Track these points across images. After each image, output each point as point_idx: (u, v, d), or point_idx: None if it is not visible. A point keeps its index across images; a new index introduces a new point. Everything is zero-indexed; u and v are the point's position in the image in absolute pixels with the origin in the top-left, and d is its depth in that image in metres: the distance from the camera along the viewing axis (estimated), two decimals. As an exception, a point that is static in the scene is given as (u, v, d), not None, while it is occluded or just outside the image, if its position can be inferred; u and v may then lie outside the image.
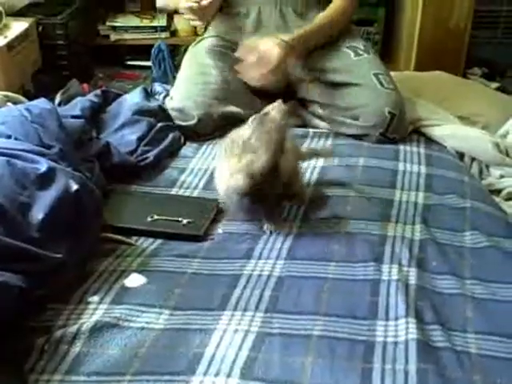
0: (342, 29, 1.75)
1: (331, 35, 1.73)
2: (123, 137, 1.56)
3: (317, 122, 1.73)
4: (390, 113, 1.61)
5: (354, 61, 1.70)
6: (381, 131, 1.61)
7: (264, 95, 1.76)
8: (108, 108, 1.70)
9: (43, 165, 1.18)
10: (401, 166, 1.53)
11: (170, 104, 1.70)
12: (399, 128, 1.64)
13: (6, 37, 2.14)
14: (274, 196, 1.25)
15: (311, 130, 1.71)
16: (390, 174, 1.49)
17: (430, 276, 1.14)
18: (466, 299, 1.08)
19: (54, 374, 0.92)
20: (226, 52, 1.75)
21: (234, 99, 1.66)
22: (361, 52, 1.72)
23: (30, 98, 1.62)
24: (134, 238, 1.24)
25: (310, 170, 1.48)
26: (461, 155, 1.64)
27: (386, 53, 2.70)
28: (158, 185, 1.44)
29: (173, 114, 1.67)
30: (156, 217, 1.29)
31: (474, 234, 1.26)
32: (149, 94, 1.75)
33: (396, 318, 1.02)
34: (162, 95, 1.80)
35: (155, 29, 2.65)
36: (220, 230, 1.27)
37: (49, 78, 2.24)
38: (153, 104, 1.69)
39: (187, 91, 1.68)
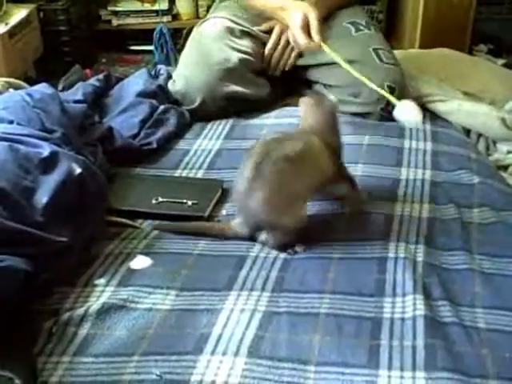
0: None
1: None
2: (126, 120, 1.55)
3: None
4: (388, 87, 1.58)
5: (354, 36, 1.67)
6: (381, 106, 1.59)
7: (267, 76, 1.75)
8: (110, 92, 1.69)
9: (46, 149, 1.18)
10: (406, 144, 1.51)
11: (172, 87, 1.68)
12: None
13: (7, 24, 2.13)
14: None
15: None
16: (396, 152, 1.47)
17: (437, 253, 1.13)
18: (474, 274, 1.07)
19: (62, 355, 0.92)
20: (231, 31, 1.71)
21: (237, 79, 1.65)
22: (362, 28, 1.69)
23: (32, 85, 1.61)
24: (139, 220, 1.24)
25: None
26: (467, 131, 1.62)
27: (390, 31, 2.67)
28: (162, 167, 1.44)
29: (176, 97, 1.66)
30: (161, 199, 1.28)
31: (482, 210, 1.25)
32: (151, 76, 1.74)
33: (403, 295, 1.02)
34: (163, 77, 1.78)
35: (157, 12, 2.63)
36: (225, 212, 1.27)
37: (51, 64, 2.23)
38: (155, 85, 1.67)
39: (189, 74, 1.67)
